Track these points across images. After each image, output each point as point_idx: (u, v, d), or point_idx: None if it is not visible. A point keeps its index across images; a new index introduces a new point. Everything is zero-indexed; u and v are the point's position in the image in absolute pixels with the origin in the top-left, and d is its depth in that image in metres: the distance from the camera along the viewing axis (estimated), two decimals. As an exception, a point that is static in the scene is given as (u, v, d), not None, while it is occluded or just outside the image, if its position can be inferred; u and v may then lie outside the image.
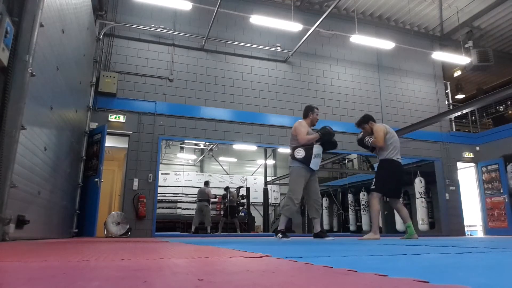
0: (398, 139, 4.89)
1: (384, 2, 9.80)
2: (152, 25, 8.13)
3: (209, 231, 10.12)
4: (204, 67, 8.45)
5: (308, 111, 4.92)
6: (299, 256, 1.58)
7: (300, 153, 4.57)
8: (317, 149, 4.59)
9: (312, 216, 4.70)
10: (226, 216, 10.88)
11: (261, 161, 15.66)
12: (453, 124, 10.97)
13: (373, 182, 4.82)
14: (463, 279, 0.88)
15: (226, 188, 11.55)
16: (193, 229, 9.95)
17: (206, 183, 10.62)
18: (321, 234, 4.72)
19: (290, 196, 4.55)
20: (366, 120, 4.98)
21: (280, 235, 4.47)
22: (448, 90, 11.34)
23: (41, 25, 3.39)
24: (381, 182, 4.73)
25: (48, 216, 4.46)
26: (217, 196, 12.18)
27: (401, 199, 5.06)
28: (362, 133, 5.03)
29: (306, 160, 4.55)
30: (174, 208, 14.42)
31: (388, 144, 4.73)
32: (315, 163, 4.59)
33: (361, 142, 5.04)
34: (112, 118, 7.39)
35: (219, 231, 10.81)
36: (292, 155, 4.64)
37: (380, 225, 12.47)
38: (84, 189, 6.50)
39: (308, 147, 4.58)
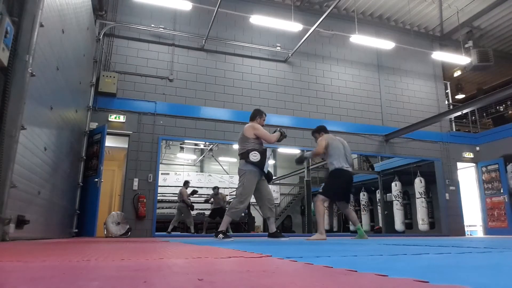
0: (348, 149, 5.25)
1: (384, 2, 9.80)
2: (152, 25, 8.13)
3: (192, 231, 9.96)
4: (204, 67, 8.45)
5: (256, 115, 4.86)
6: (299, 256, 1.58)
7: (256, 156, 4.49)
8: (268, 152, 4.64)
9: (267, 216, 4.62)
10: (212, 216, 10.45)
11: (261, 161, 15.63)
12: (453, 124, 10.97)
13: (322, 186, 5.14)
14: (463, 279, 0.88)
15: (215, 188, 11.03)
16: (169, 229, 9.75)
17: (185, 183, 10.46)
18: (276, 234, 4.63)
19: (242, 200, 4.46)
20: (318, 131, 5.38)
21: (221, 235, 4.35)
22: (448, 90, 11.34)
23: (41, 25, 3.38)
24: (330, 189, 5.04)
25: (48, 216, 4.46)
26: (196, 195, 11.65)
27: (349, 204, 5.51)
28: (308, 153, 5.45)
29: (261, 164, 4.50)
30: (174, 208, 14.39)
31: (332, 154, 5.03)
32: (267, 166, 4.62)
33: (299, 160, 5.57)
34: (112, 118, 7.39)
35: (203, 231, 10.52)
36: (246, 159, 4.51)
37: (380, 225, 12.58)
38: (84, 189, 6.49)
39: (263, 151, 4.57)
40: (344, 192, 5.10)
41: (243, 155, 4.55)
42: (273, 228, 4.65)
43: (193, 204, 10.52)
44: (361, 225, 14.09)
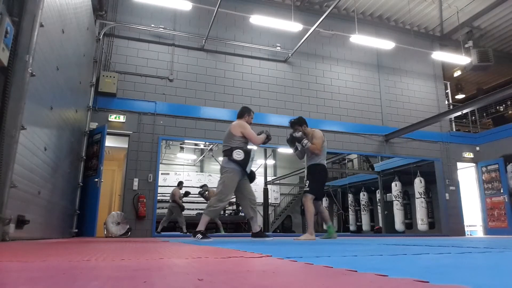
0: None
1: (384, 2, 9.80)
2: (152, 25, 8.13)
3: (185, 230, 9.97)
4: (204, 67, 8.45)
5: (245, 112, 4.77)
6: (299, 256, 1.58)
7: (240, 155, 4.41)
8: (253, 153, 4.56)
9: (250, 216, 4.54)
10: None
11: (261, 161, 15.68)
12: (453, 124, 10.97)
13: (307, 184, 4.94)
14: (463, 279, 0.88)
15: (202, 186, 11.11)
16: (159, 229, 9.76)
17: (178, 184, 10.48)
18: (260, 234, 4.56)
19: (221, 199, 4.39)
20: (300, 123, 5.12)
21: (199, 235, 4.23)
22: (448, 90, 11.35)
23: (41, 25, 3.38)
24: (317, 185, 4.92)
25: (48, 216, 4.46)
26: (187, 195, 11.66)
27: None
28: (300, 133, 5.04)
29: (244, 163, 4.43)
30: (174, 208, 14.39)
31: (323, 152, 5.02)
32: (250, 167, 4.54)
33: (293, 140, 5.07)
34: (112, 118, 7.39)
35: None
36: (229, 156, 4.44)
37: (380, 225, 12.57)
38: (84, 189, 6.49)
39: (247, 150, 4.49)
40: (323, 189, 5.15)
41: (227, 152, 4.49)
42: (256, 228, 4.59)
43: (183, 205, 10.48)
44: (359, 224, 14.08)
